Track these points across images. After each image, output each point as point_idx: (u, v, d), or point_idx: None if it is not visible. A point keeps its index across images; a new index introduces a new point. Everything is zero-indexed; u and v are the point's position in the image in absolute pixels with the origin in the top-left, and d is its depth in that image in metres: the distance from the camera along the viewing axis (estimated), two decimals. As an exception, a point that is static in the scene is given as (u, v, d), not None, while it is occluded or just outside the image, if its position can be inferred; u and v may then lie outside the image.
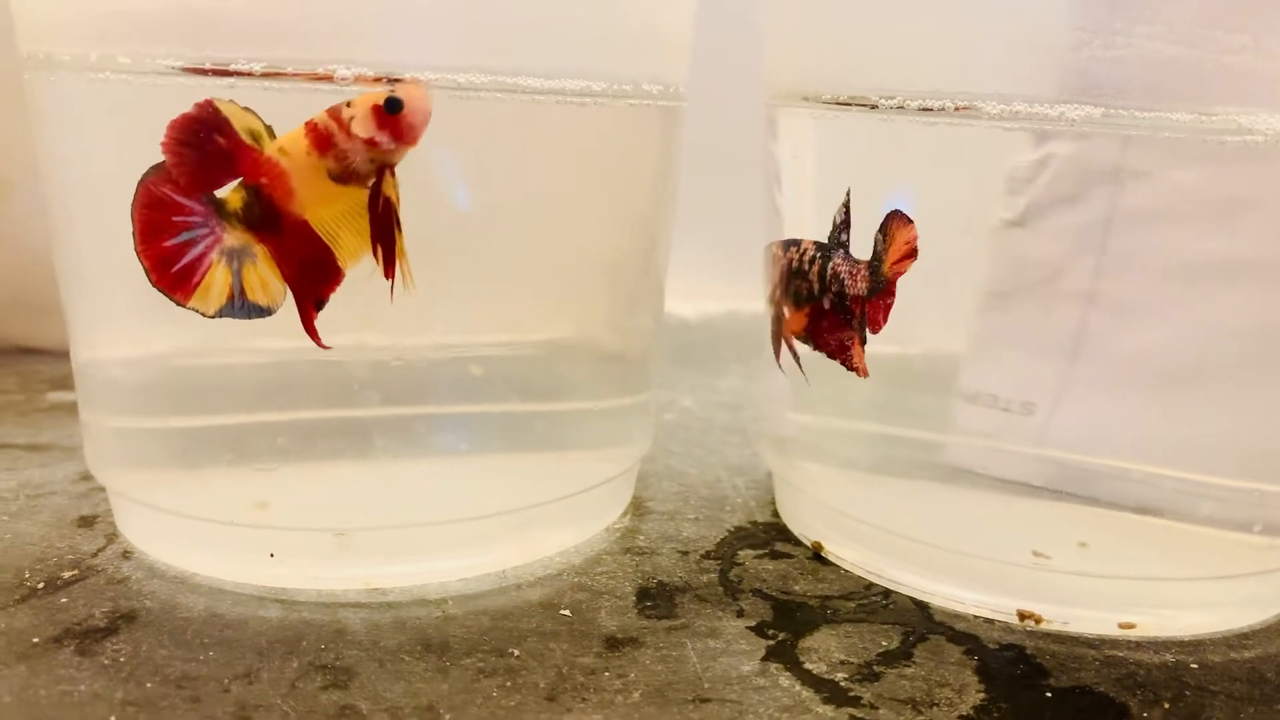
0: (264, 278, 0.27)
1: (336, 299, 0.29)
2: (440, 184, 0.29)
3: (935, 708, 0.26)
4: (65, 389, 0.49)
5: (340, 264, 0.27)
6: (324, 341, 0.28)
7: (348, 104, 0.26)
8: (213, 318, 0.27)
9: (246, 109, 0.26)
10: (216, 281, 0.27)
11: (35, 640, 0.27)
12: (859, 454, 0.34)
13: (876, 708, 0.26)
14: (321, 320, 0.29)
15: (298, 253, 0.27)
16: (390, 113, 0.26)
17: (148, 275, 0.27)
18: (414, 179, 0.29)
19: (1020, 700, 0.27)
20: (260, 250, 0.27)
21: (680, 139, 0.35)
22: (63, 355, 0.34)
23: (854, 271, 0.30)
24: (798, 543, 0.35)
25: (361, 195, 0.27)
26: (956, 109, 0.29)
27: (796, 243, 0.32)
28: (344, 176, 0.26)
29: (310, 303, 0.27)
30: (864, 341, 0.31)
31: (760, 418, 0.42)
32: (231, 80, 0.27)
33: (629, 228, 0.34)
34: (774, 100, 0.35)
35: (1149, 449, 0.31)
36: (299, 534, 0.31)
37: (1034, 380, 0.31)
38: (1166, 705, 0.27)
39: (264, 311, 0.27)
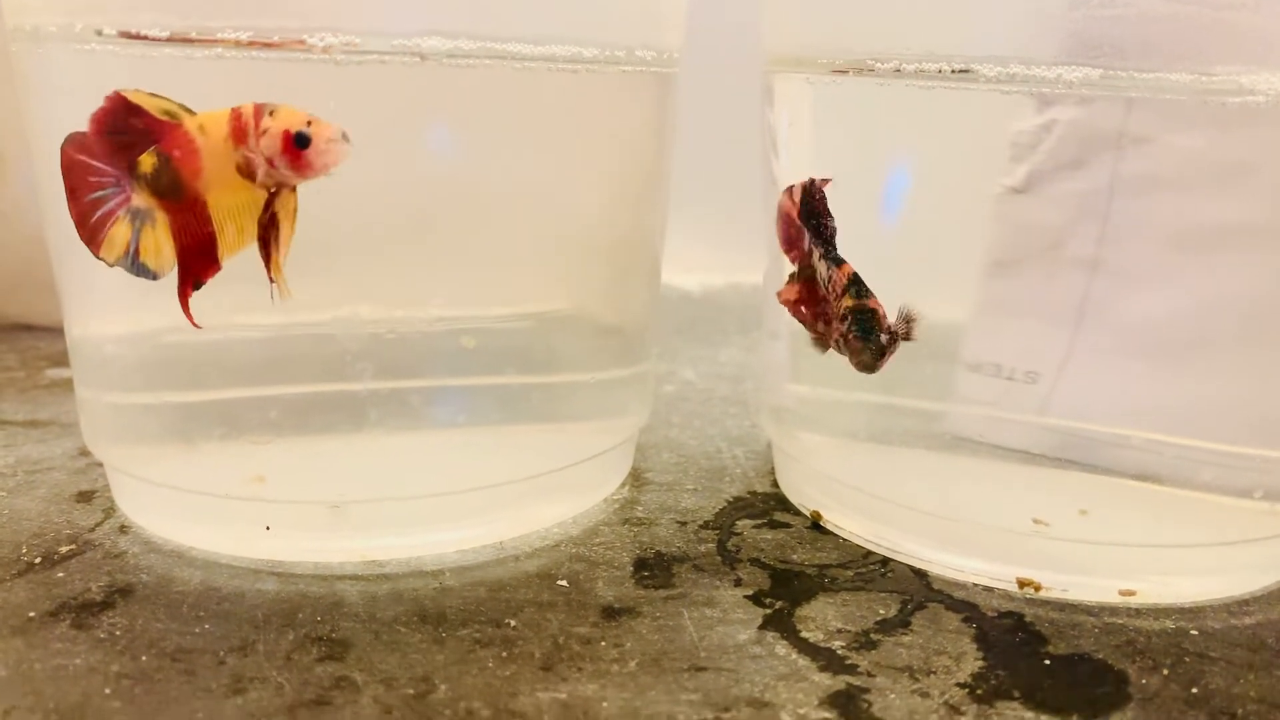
0: (159, 243, 0.27)
1: (329, 271, 0.29)
2: (430, 155, 0.29)
3: (933, 675, 0.26)
4: (63, 365, 0.49)
5: (219, 253, 0.27)
6: (316, 317, 0.29)
7: (270, 112, 0.26)
8: (111, 267, 0.27)
9: (154, 94, 0.26)
10: (119, 236, 0.27)
11: (31, 614, 0.27)
12: (859, 424, 0.34)
13: (873, 675, 0.26)
14: (315, 293, 0.29)
15: (189, 229, 0.27)
16: (298, 145, 0.26)
17: (78, 231, 0.27)
18: (405, 150, 0.29)
19: (1019, 668, 0.26)
20: (160, 217, 0.27)
21: (675, 106, 0.35)
22: (61, 332, 0.34)
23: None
24: (796, 512, 0.35)
25: (261, 196, 0.27)
26: (953, 72, 0.28)
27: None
28: (247, 174, 0.26)
29: (190, 281, 0.27)
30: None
31: (759, 389, 0.41)
32: (218, 49, 0.26)
33: (623, 198, 0.34)
34: (770, 66, 0.34)
35: (1151, 416, 0.31)
36: (295, 507, 0.31)
37: (1037, 348, 0.30)
38: (1166, 672, 0.26)
39: (151, 275, 0.27)
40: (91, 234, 0.27)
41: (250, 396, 0.30)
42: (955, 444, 0.32)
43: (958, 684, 0.26)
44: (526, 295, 0.32)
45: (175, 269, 0.28)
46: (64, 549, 0.31)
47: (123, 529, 0.33)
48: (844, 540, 0.33)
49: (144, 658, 0.26)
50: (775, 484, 0.38)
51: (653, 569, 0.31)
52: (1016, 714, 0.24)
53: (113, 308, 0.31)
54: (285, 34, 0.26)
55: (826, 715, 0.24)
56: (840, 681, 0.26)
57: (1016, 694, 0.25)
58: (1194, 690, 0.26)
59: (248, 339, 0.30)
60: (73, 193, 0.27)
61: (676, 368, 0.52)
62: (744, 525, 0.34)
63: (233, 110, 0.26)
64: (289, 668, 0.25)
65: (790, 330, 0.35)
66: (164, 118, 0.26)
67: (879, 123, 0.31)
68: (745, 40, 0.37)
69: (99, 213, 0.27)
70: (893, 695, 0.25)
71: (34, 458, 0.38)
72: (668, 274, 0.38)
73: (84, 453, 0.38)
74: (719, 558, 0.32)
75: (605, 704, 0.24)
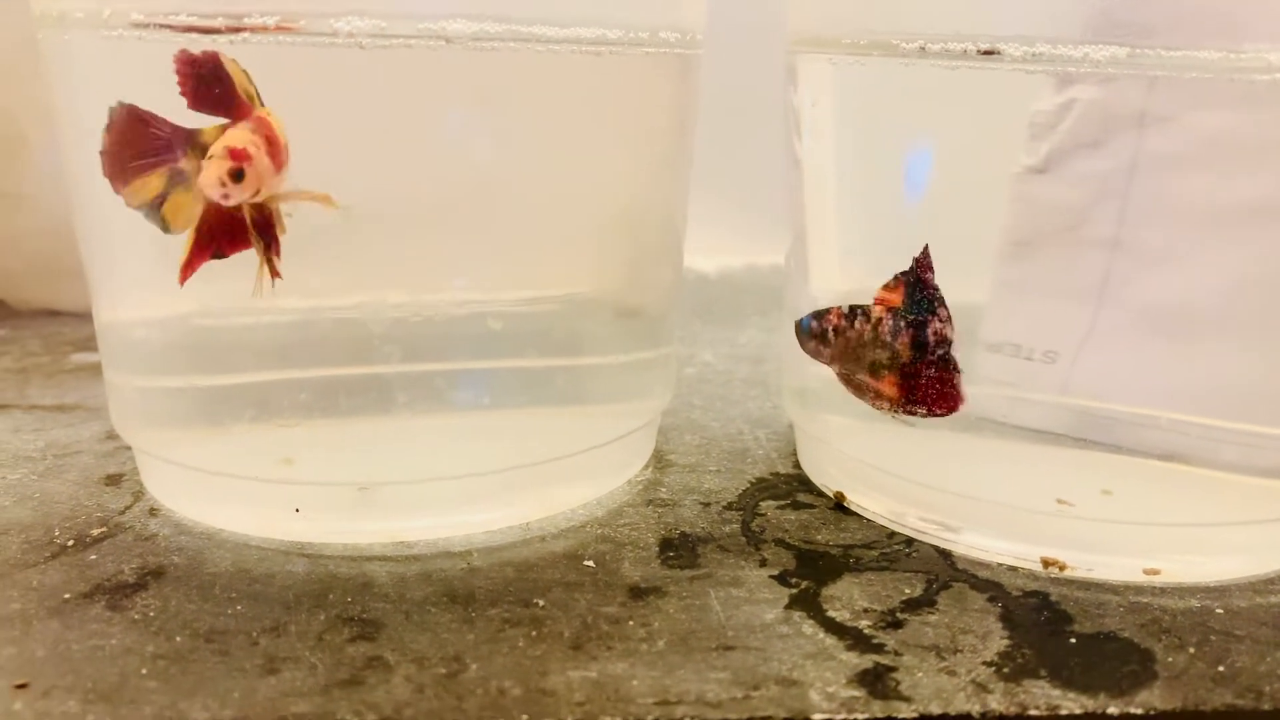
0: (185, 205, 0.27)
1: (354, 255, 0.29)
2: (455, 139, 0.29)
3: (959, 654, 0.26)
4: (89, 350, 0.50)
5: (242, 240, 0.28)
6: (344, 300, 0.29)
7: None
8: (130, 207, 0.28)
9: (244, 70, 0.26)
10: (149, 186, 0.27)
11: (66, 596, 0.28)
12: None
13: (900, 654, 0.26)
14: (341, 276, 0.29)
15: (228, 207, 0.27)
16: (234, 180, 0.26)
17: (103, 167, 0.28)
18: (430, 135, 0.29)
19: (1044, 646, 0.27)
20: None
21: (698, 88, 0.35)
22: (85, 317, 0.34)
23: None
24: (820, 493, 0.35)
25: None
26: (979, 52, 0.28)
27: (863, 311, 0.31)
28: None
29: (211, 250, 0.27)
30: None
31: (781, 370, 0.41)
32: (244, 35, 0.26)
33: (646, 180, 0.34)
34: (793, 47, 0.34)
35: (1173, 395, 0.31)
36: (324, 489, 0.31)
37: (1057, 328, 0.30)
38: (1192, 650, 0.27)
39: (163, 227, 0.28)
40: (122, 173, 0.27)
41: (278, 380, 0.30)
42: (977, 424, 0.32)
43: (984, 662, 0.26)
44: (550, 278, 0.33)
45: (189, 233, 0.28)
46: (95, 531, 0.31)
47: (152, 512, 0.33)
48: (868, 521, 0.33)
49: (178, 638, 0.26)
50: (798, 465, 0.38)
51: (678, 549, 0.31)
52: (1043, 692, 0.25)
53: (141, 292, 0.31)
54: (311, 19, 0.26)
55: (855, 693, 0.24)
56: (868, 660, 0.26)
57: (1043, 672, 0.25)
58: (1220, 668, 0.26)
59: (275, 323, 0.30)
60: (120, 135, 0.27)
61: (696, 350, 0.52)
62: (767, 506, 0.34)
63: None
64: (321, 648, 0.26)
65: (814, 311, 0.35)
66: (243, 96, 0.26)
67: (901, 103, 0.31)
68: (767, 20, 0.37)
69: (139, 161, 0.27)
70: (920, 674, 0.25)
71: (63, 442, 0.38)
72: (685, 257, 0.38)
73: (112, 436, 0.39)
74: (743, 538, 0.32)
75: (635, 682, 0.25)
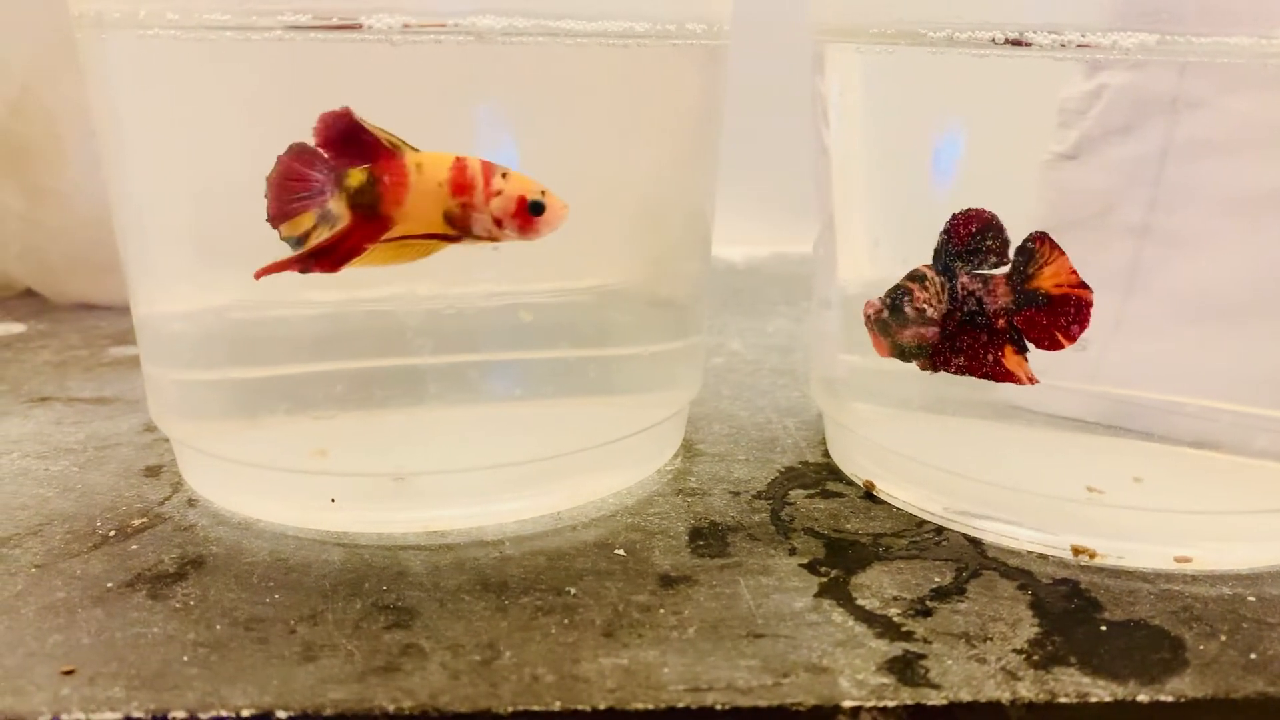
0: (322, 236, 0.28)
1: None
2: (484, 133, 0.29)
3: (989, 642, 0.26)
4: (126, 344, 0.50)
5: (346, 263, 0.28)
6: (377, 293, 0.30)
7: (503, 175, 0.28)
8: (283, 239, 0.28)
9: (381, 128, 0.27)
10: (303, 223, 0.28)
11: (109, 585, 0.28)
12: (911, 393, 0.34)
13: (930, 642, 0.26)
14: (374, 270, 0.30)
15: (355, 240, 0.28)
16: (532, 212, 0.28)
17: (267, 209, 0.28)
18: (459, 128, 0.29)
19: (1075, 634, 0.27)
20: (342, 222, 0.28)
21: (724, 79, 0.35)
22: (122, 311, 0.35)
23: (991, 287, 0.29)
24: (849, 482, 0.36)
25: (438, 246, 0.28)
26: (1007, 40, 0.28)
27: (919, 277, 0.31)
28: (459, 223, 0.28)
29: (305, 266, 0.28)
30: (1022, 350, 0.30)
31: (810, 359, 0.42)
32: (278, 33, 0.27)
33: (674, 171, 0.34)
34: (821, 36, 0.34)
35: (1204, 383, 0.31)
36: (358, 479, 0.31)
37: (1088, 315, 0.30)
38: (1223, 638, 0.27)
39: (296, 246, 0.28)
40: (282, 213, 0.28)
41: (313, 372, 0.31)
42: (1008, 412, 0.32)
43: (1014, 650, 0.26)
44: (580, 270, 0.33)
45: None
46: (136, 522, 0.32)
47: (191, 502, 0.33)
48: (897, 509, 0.34)
49: (218, 627, 0.27)
50: (826, 454, 0.38)
51: (708, 538, 0.31)
52: (1073, 680, 0.25)
53: (178, 286, 0.32)
54: (344, 16, 0.27)
55: (884, 681, 0.25)
56: (897, 648, 0.26)
57: (1073, 660, 0.26)
58: (1252, 655, 0.26)
59: (309, 316, 0.30)
60: (282, 186, 0.28)
61: (724, 339, 0.52)
62: (797, 495, 0.34)
63: (456, 160, 0.27)
64: (358, 635, 0.26)
65: (842, 299, 0.35)
66: (385, 144, 0.27)
67: (930, 91, 0.31)
68: (793, 10, 0.37)
69: (298, 203, 0.28)
70: (950, 661, 0.25)
71: (103, 434, 0.39)
72: (714, 246, 0.38)
73: (150, 428, 0.39)
74: (773, 527, 0.32)
75: (666, 669, 0.25)
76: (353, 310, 0.30)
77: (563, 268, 0.32)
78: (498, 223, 0.28)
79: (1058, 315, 0.28)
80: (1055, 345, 0.29)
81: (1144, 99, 0.29)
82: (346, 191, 0.27)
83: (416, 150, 0.28)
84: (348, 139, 0.27)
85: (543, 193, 0.28)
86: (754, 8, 0.43)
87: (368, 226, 0.28)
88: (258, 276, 0.28)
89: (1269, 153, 0.28)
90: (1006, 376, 0.29)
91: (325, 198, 0.27)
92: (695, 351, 0.37)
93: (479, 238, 0.28)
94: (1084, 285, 0.28)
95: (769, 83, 0.58)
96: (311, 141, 0.27)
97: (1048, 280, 0.28)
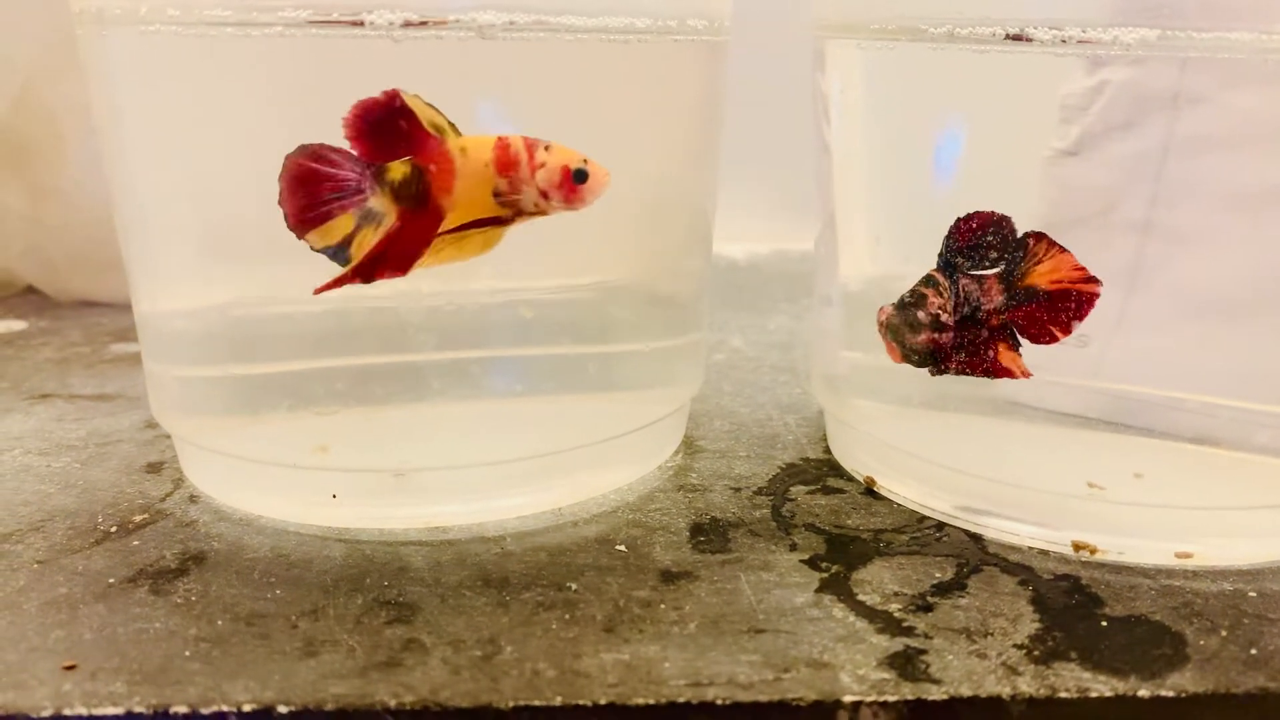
0: (370, 241, 0.28)
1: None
2: (485, 129, 0.29)
3: (990, 637, 0.26)
4: (127, 340, 0.50)
5: (418, 262, 0.28)
6: (378, 290, 0.29)
7: (545, 147, 0.28)
8: (316, 251, 0.28)
9: (430, 105, 0.27)
10: (338, 228, 0.27)
11: (111, 581, 0.28)
12: (912, 390, 0.34)
13: (931, 637, 0.26)
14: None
15: (413, 236, 0.28)
16: (576, 181, 0.28)
17: (286, 218, 0.27)
18: (460, 124, 0.29)
19: (1076, 629, 0.27)
20: (389, 220, 0.27)
21: (725, 75, 0.35)
22: (124, 308, 0.35)
23: (985, 286, 0.30)
24: (850, 478, 0.36)
25: (498, 234, 0.28)
26: (1007, 36, 0.28)
27: (933, 283, 0.30)
28: (508, 200, 0.28)
29: (368, 275, 0.28)
30: (1015, 346, 0.30)
31: (811, 356, 0.42)
32: (279, 29, 0.27)
33: (676, 167, 0.34)
34: (821, 32, 0.34)
35: (1205, 379, 0.31)
36: (360, 475, 0.31)
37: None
38: (1224, 633, 0.27)
39: (344, 261, 0.28)
40: (306, 219, 0.27)
41: (314, 368, 0.31)
42: (1008, 409, 0.32)
43: (1015, 645, 0.26)
44: (581, 267, 0.33)
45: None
46: (138, 518, 0.32)
47: (192, 499, 0.33)
48: (898, 505, 0.34)
49: (220, 622, 0.27)
50: (827, 450, 0.38)
51: (709, 534, 0.31)
52: (1074, 675, 0.25)
53: (180, 283, 0.32)
54: (344, 12, 0.27)
55: (885, 676, 0.25)
56: (898, 643, 0.26)
57: (1074, 655, 0.26)
58: (1253, 651, 0.26)
59: (311, 312, 0.30)
60: (300, 196, 0.27)
61: (725, 336, 0.52)
62: (797, 491, 0.34)
63: (499, 139, 0.28)
64: (359, 631, 0.26)
65: (844, 296, 0.35)
66: (429, 129, 0.27)
67: (931, 87, 0.31)
68: (794, 6, 0.37)
69: (326, 206, 0.27)
70: (950, 656, 0.25)
71: (104, 430, 0.39)
72: (715, 243, 0.38)
73: (151, 425, 0.39)
74: (774, 523, 0.32)
75: (667, 664, 0.25)
76: (354, 307, 0.30)
77: (564, 264, 0.32)
78: (544, 195, 0.28)
79: (1057, 311, 0.29)
80: (1052, 339, 0.29)
81: (1145, 95, 0.29)
82: (389, 186, 0.27)
83: (459, 134, 0.27)
84: (383, 130, 0.27)
85: (584, 161, 0.28)
86: (755, 4, 0.43)
87: (419, 220, 0.27)
88: (317, 293, 0.28)
89: (1270, 148, 0.28)
90: (1003, 372, 0.30)
91: (364, 197, 0.27)
92: (696, 348, 0.37)
93: (527, 213, 0.28)
94: (1089, 279, 0.28)
95: (770, 79, 0.58)
96: (341, 135, 0.26)
97: (1043, 277, 0.28)
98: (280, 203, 0.27)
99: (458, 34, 0.27)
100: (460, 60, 0.28)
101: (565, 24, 0.28)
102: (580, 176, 0.28)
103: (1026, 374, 0.29)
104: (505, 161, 0.28)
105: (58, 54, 0.51)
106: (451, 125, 0.27)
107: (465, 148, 0.27)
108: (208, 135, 0.29)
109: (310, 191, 0.27)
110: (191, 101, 0.29)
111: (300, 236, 0.27)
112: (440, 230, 0.28)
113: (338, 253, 0.28)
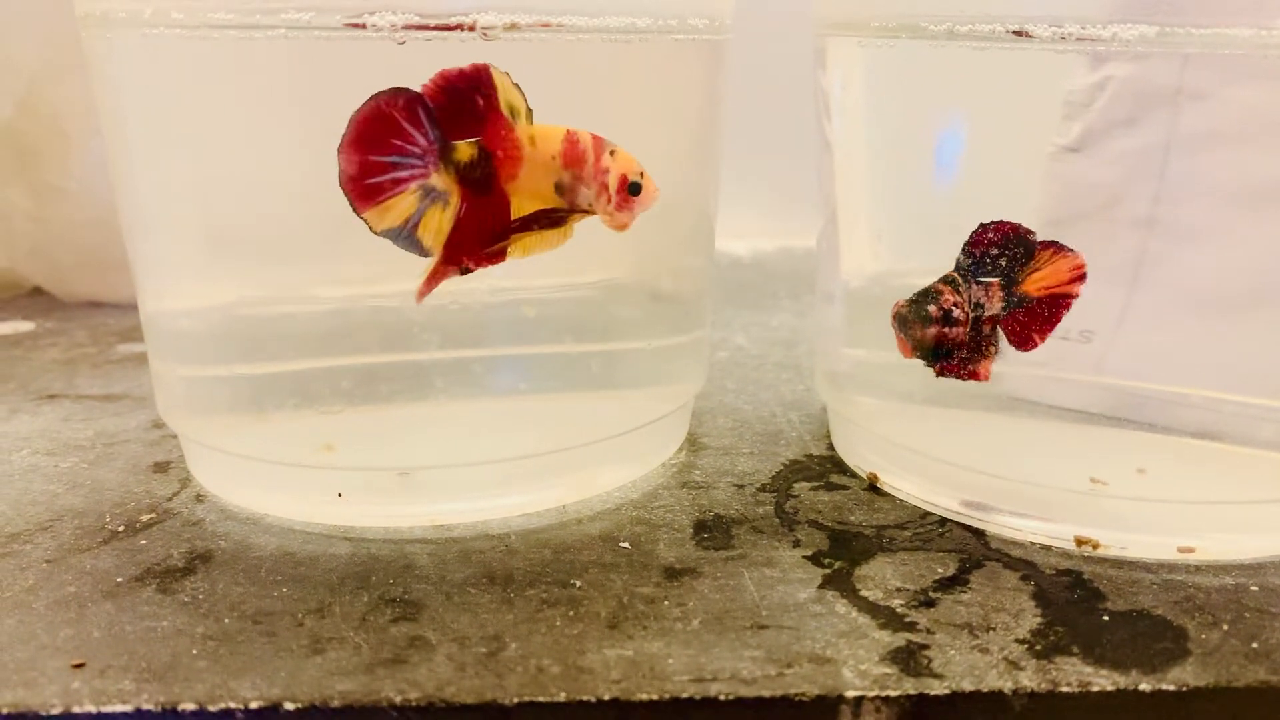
0: (442, 225, 0.27)
1: (392, 245, 0.29)
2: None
3: (992, 632, 0.26)
4: (133, 341, 0.51)
5: (505, 249, 0.28)
6: (382, 289, 0.30)
7: (611, 152, 0.28)
8: (376, 234, 0.27)
9: (516, 85, 0.27)
10: (400, 207, 0.27)
11: (119, 580, 0.29)
12: (915, 386, 0.34)
13: (933, 632, 0.26)
14: (379, 265, 0.30)
15: (483, 223, 0.27)
16: (630, 192, 0.28)
17: (340, 174, 0.26)
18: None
19: (1078, 624, 0.27)
20: (455, 202, 0.27)
21: (727, 73, 0.35)
22: (129, 308, 0.35)
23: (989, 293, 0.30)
24: (853, 475, 0.36)
25: (567, 233, 0.29)
26: (1008, 33, 0.28)
27: (952, 282, 0.30)
28: (568, 194, 0.28)
29: (457, 264, 0.28)
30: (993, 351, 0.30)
31: (814, 353, 0.42)
32: (283, 32, 0.27)
33: (678, 165, 0.34)
34: (822, 30, 0.34)
35: (1208, 374, 0.31)
36: (365, 474, 0.32)
37: (1092, 308, 0.30)
38: (1225, 627, 0.27)
39: (422, 251, 0.27)
40: (366, 194, 0.26)
41: (319, 368, 0.31)
42: (1011, 404, 0.32)
43: (1017, 640, 0.26)
44: (584, 265, 0.33)
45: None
46: (145, 517, 0.32)
47: (199, 498, 0.34)
48: (901, 501, 0.34)
49: (226, 620, 0.27)
50: (831, 447, 0.38)
51: (712, 531, 0.32)
52: (1076, 669, 0.25)
53: (185, 283, 0.32)
54: (347, 15, 0.27)
55: (887, 671, 0.25)
56: (900, 639, 0.26)
57: (1075, 649, 0.26)
58: (1254, 645, 0.26)
59: (316, 311, 0.31)
60: (366, 144, 0.26)
61: (729, 334, 0.53)
62: (801, 488, 0.35)
63: (568, 133, 0.28)
64: (365, 628, 0.26)
65: (846, 293, 0.35)
66: (504, 111, 0.27)
67: (932, 84, 0.31)
68: (795, 4, 0.37)
69: (387, 177, 0.26)
70: (953, 651, 0.25)
71: (111, 430, 0.39)
72: (718, 240, 0.38)
73: (158, 425, 0.40)
74: (777, 519, 0.32)
75: (671, 661, 0.25)
76: (358, 306, 0.30)
77: (567, 263, 0.32)
78: (599, 197, 0.28)
79: (1036, 316, 0.29)
80: (1033, 345, 0.29)
81: (1148, 90, 0.29)
82: (454, 166, 0.27)
83: (531, 122, 0.27)
84: (461, 102, 0.26)
85: (641, 174, 0.28)
86: (756, 3, 0.43)
87: (487, 205, 0.27)
88: (419, 299, 0.28)
89: (1272, 143, 0.28)
90: (971, 375, 0.30)
91: (425, 172, 0.26)
92: (699, 346, 0.38)
93: (579, 211, 0.28)
94: (1073, 281, 0.28)
95: (772, 77, 0.58)
96: (403, 98, 0.25)
97: (1035, 284, 0.29)
98: (340, 150, 0.26)
99: (459, 35, 0.27)
100: (462, 61, 0.28)
101: (566, 23, 0.28)
102: (634, 189, 0.28)
103: (987, 378, 0.30)
104: (572, 157, 0.27)
105: (62, 56, 0.52)
106: (529, 110, 0.27)
107: (534, 137, 0.27)
108: (211, 137, 0.29)
109: (376, 142, 0.26)
110: (195, 103, 0.29)
111: (358, 207, 0.26)
112: (513, 219, 0.27)
113: (408, 240, 0.27)
